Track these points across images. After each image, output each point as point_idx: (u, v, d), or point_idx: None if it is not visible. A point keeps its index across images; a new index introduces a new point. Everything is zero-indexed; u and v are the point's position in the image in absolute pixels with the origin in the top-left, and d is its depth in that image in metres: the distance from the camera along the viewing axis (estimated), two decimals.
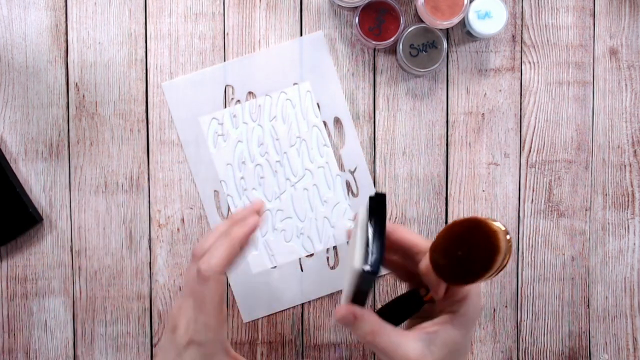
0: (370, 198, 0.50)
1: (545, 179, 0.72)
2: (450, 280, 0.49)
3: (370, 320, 0.52)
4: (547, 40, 0.71)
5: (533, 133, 0.72)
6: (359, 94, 0.71)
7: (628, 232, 0.72)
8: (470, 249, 0.47)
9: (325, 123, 0.70)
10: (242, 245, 0.53)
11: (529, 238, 0.72)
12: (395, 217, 0.71)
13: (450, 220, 0.71)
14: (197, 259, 0.53)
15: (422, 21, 0.68)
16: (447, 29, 0.70)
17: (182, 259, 0.70)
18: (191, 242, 0.70)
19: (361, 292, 0.50)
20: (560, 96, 0.72)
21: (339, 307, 0.52)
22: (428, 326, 0.53)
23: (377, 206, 0.49)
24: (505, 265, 0.46)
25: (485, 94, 0.71)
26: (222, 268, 0.52)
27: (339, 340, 0.71)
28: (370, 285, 0.49)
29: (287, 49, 0.70)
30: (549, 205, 0.72)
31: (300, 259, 0.71)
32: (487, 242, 0.46)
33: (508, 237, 0.46)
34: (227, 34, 0.70)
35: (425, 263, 0.52)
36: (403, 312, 0.55)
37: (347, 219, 0.71)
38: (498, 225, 0.46)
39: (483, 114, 0.71)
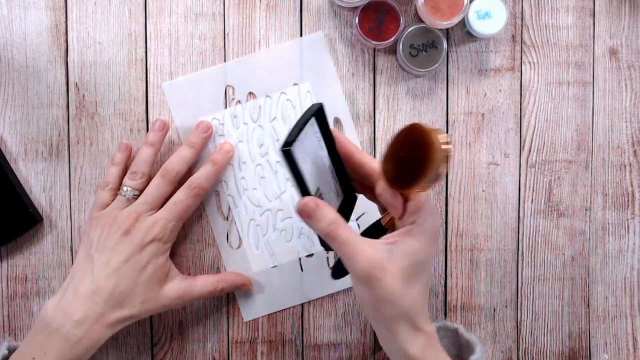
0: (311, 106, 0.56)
1: (545, 179, 0.72)
2: (398, 184, 0.51)
3: (331, 210, 0.53)
4: (547, 40, 0.71)
5: (533, 133, 0.72)
6: (359, 94, 0.71)
7: (628, 232, 0.72)
8: (409, 150, 0.50)
9: None
10: (223, 170, 0.68)
11: (529, 238, 0.72)
12: None
13: (450, 221, 0.71)
14: (170, 178, 0.65)
15: (422, 21, 0.68)
16: (447, 29, 0.70)
17: (181, 259, 0.70)
18: (191, 242, 0.70)
19: (296, 177, 0.53)
20: (560, 96, 0.72)
21: (300, 200, 0.53)
22: (388, 237, 0.54)
23: (310, 108, 0.55)
24: (444, 166, 0.49)
25: (485, 94, 0.71)
26: (209, 187, 0.67)
27: (339, 340, 0.71)
28: (291, 165, 0.52)
29: (287, 50, 0.70)
30: (549, 205, 0.72)
31: (300, 258, 0.71)
32: (422, 140, 0.49)
33: (443, 136, 0.49)
34: (227, 34, 0.70)
35: (380, 185, 0.54)
36: None
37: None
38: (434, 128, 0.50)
39: (483, 114, 0.71)
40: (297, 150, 0.53)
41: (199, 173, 0.66)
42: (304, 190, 0.54)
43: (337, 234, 0.52)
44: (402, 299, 0.52)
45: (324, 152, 0.58)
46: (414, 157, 0.50)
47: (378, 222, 0.58)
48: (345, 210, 0.61)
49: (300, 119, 0.55)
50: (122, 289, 0.62)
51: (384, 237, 0.55)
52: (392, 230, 0.56)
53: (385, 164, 0.52)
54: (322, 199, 0.57)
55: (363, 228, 0.60)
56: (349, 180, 0.60)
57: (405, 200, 0.54)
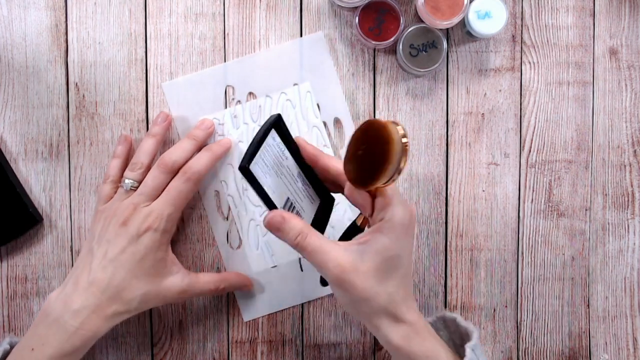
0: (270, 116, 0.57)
1: (545, 179, 0.72)
2: (361, 183, 0.51)
3: (299, 221, 0.54)
4: (547, 40, 0.71)
5: (533, 133, 0.72)
6: (359, 94, 0.71)
7: (628, 232, 0.72)
8: (368, 147, 0.50)
9: (325, 123, 0.70)
10: (219, 159, 0.68)
11: (529, 238, 0.72)
12: None
13: (450, 221, 0.71)
14: (167, 168, 0.64)
15: (422, 21, 0.68)
16: (447, 29, 0.70)
17: (181, 259, 0.70)
18: (191, 242, 0.70)
19: (259, 193, 0.54)
20: (560, 96, 0.72)
21: (267, 214, 0.55)
22: (359, 237, 0.55)
23: (268, 120, 0.57)
24: (403, 157, 0.50)
25: (485, 94, 0.71)
26: (204, 174, 0.65)
27: (339, 340, 0.71)
28: (251, 182, 0.53)
29: (287, 50, 0.70)
30: (549, 205, 0.72)
31: (300, 259, 0.71)
32: (379, 135, 0.49)
33: (399, 128, 0.49)
34: (227, 34, 0.70)
35: (347, 186, 0.55)
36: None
37: (347, 219, 0.71)
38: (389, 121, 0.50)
39: (483, 114, 0.71)
40: (257, 166, 0.54)
41: (193, 160, 0.66)
42: (269, 204, 0.55)
43: (306, 244, 0.54)
44: (377, 296, 0.54)
45: (289, 162, 0.59)
46: (372, 153, 0.50)
47: (354, 223, 0.59)
48: (324, 213, 0.62)
49: (257, 133, 0.55)
50: (118, 281, 0.62)
51: (356, 237, 0.56)
52: (366, 224, 0.57)
53: (347, 165, 0.53)
54: (294, 208, 0.57)
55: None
56: (321, 184, 0.61)
57: (373, 197, 0.54)
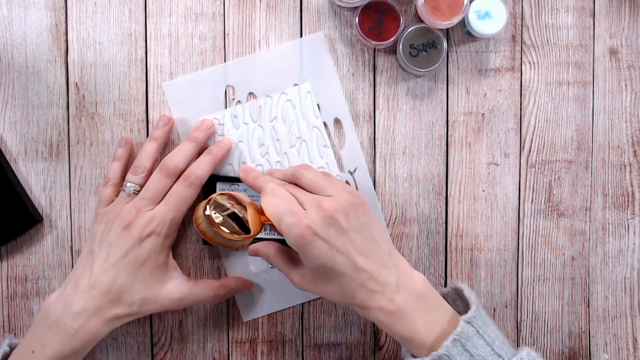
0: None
1: (545, 179, 0.72)
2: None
3: (268, 249, 0.64)
4: (547, 40, 0.71)
5: (533, 133, 0.72)
6: (359, 94, 0.71)
7: (628, 232, 0.72)
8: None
9: (325, 124, 0.70)
10: (220, 161, 0.68)
11: (529, 238, 0.72)
12: (395, 218, 0.71)
13: (450, 221, 0.71)
14: (169, 172, 0.65)
15: (422, 21, 0.68)
16: (447, 29, 0.70)
17: (181, 259, 0.70)
18: (191, 242, 0.70)
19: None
20: (560, 96, 0.72)
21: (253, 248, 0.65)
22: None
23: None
24: (211, 228, 0.61)
25: (485, 94, 0.71)
26: (206, 178, 0.66)
27: (339, 340, 0.71)
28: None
29: (288, 50, 0.70)
30: (549, 205, 0.72)
31: None
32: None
33: (206, 207, 0.62)
34: (227, 34, 0.70)
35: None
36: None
37: None
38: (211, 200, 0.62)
39: (483, 114, 0.71)
40: None
41: (194, 164, 0.66)
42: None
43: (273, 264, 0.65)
44: (328, 295, 0.60)
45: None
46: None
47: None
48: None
49: None
50: (120, 284, 0.62)
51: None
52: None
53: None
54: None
55: None
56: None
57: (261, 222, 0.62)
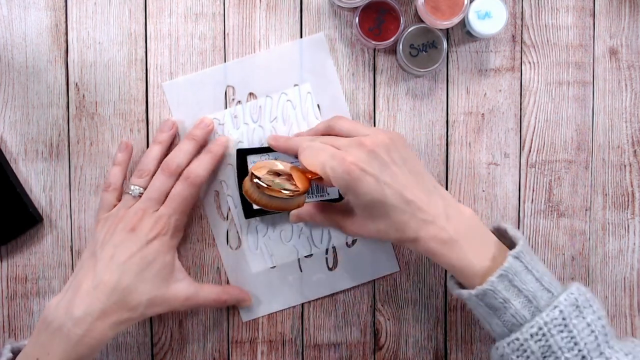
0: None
1: (545, 179, 0.72)
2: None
3: (309, 209, 0.65)
4: (547, 40, 0.71)
5: (533, 133, 0.72)
6: (359, 94, 0.71)
7: (628, 232, 0.72)
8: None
9: None
10: (220, 159, 0.68)
11: (529, 238, 0.72)
12: None
13: None
14: (171, 172, 0.65)
15: (422, 21, 0.68)
16: (447, 29, 0.70)
17: (181, 259, 0.70)
18: (191, 242, 0.70)
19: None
20: (560, 96, 0.72)
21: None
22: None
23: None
24: (257, 190, 0.59)
25: (485, 94, 0.71)
26: (206, 179, 0.66)
27: (339, 340, 0.71)
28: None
29: (288, 50, 0.70)
30: (549, 205, 0.72)
31: (299, 259, 0.71)
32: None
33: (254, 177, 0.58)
34: (227, 34, 0.70)
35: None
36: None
37: None
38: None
39: (483, 114, 0.71)
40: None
41: (193, 163, 0.66)
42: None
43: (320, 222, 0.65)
44: (376, 234, 0.60)
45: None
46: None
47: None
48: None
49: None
50: (125, 285, 0.61)
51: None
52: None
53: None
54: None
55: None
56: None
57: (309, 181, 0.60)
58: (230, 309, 0.71)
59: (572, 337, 0.54)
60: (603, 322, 0.56)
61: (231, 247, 0.71)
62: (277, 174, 0.60)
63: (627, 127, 0.72)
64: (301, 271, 0.71)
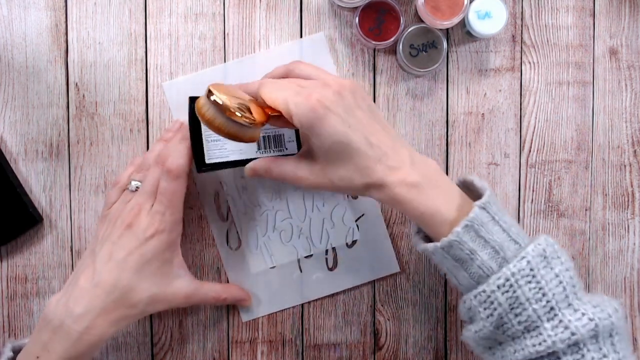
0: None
1: (545, 179, 0.72)
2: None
3: (265, 161, 0.62)
4: (547, 40, 0.71)
5: (533, 133, 0.72)
6: None
7: (628, 232, 0.72)
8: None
9: None
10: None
11: None
12: (396, 218, 0.71)
13: None
14: (160, 166, 0.63)
15: (422, 21, 0.68)
16: (447, 29, 0.70)
17: None
18: (191, 242, 0.70)
19: (234, 165, 0.65)
20: (560, 96, 0.72)
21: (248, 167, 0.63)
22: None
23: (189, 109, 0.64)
24: (212, 109, 0.57)
25: (485, 94, 0.71)
26: (188, 167, 0.64)
27: (339, 340, 0.71)
28: (218, 168, 0.66)
29: (288, 50, 0.70)
30: (549, 205, 0.72)
31: (299, 259, 0.71)
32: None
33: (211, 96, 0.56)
34: (227, 34, 0.70)
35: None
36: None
37: (351, 222, 0.71)
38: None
39: (483, 114, 0.71)
40: (212, 152, 0.63)
41: (171, 155, 0.63)
42: (248, 161, 0.63)
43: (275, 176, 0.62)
44: (337, 182, 0.59)
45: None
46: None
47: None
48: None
49: (189, 130, 0.64)
50: (125, 283, 0.60)
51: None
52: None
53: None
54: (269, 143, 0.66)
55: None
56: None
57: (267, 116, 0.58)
58: (230, 309, 0.71)
59: (540, 288, 0.53)
60: (571, 273, 0.54)
61: (231, 248, 0.71)
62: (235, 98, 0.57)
63: (627, 127, 0.72)
64: (301, 271, 0.71)
